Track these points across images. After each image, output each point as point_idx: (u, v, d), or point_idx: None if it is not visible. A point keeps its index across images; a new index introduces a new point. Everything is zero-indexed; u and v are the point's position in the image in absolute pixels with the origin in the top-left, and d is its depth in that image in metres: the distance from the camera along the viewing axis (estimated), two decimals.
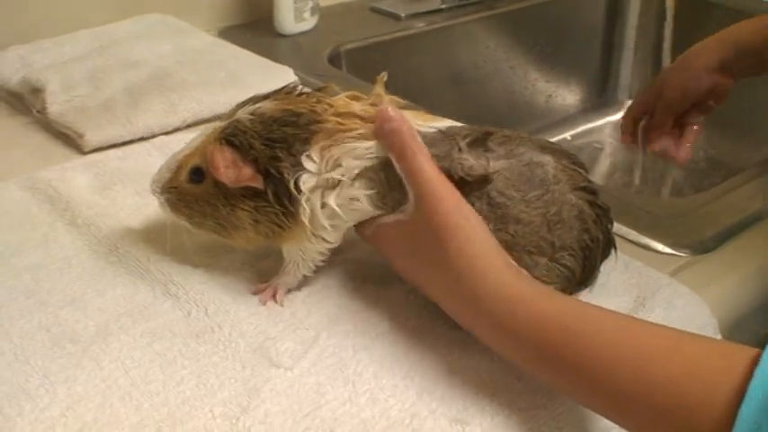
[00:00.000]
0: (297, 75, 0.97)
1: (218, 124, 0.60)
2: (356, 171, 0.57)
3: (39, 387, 0.52)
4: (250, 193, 0.58)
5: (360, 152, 0.57)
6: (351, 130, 0.57)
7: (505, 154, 0.58)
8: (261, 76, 0.93)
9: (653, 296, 0.61)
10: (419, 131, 0.57)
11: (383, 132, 0.57)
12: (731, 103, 0.94)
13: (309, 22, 1.14)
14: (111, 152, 0.81)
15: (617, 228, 0.72)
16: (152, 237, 0.67)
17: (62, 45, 0.96)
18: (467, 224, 0.54)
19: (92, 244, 0.67)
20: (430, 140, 0.57)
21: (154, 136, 0.83)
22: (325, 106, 0.58)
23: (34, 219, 0.70)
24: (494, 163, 0.57)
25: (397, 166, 0.56)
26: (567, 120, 1.37)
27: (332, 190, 0.57)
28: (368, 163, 0.57)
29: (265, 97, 0.60)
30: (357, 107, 0.59)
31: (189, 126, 0.86)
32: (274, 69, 0.96)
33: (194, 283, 0.62)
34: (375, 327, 0.59)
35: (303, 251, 0.61)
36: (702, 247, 0.71)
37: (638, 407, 0.45)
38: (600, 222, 0.59)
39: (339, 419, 0.51)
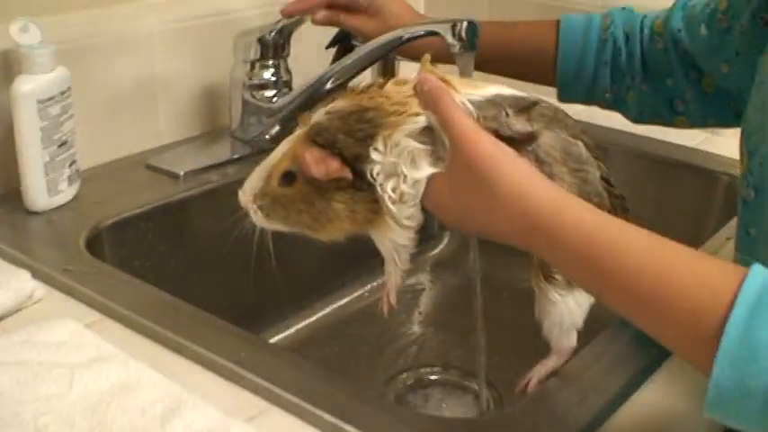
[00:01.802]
0: (45, 272, 0.82)
1: (299, 132, 0.66)
2: (410, 147, 0.62)
3: None
4: (343, 185, 0.64)
5: (411, 127, 0.63)
6: (404, 112, 0.63)
7: (546, 126, 0.65)
8: None
9: None
10: (469, 99, 0.64)
11: (423, 96, 0.63)
12: None
13: (68, 193, 0.97)
14: None
15: None
16: None
17: None
18: (507, 157, 0.60)
19: None
20: (477, 105, 0.64)
21: None
22: (383, 99, 0.64)
23: None
24: (537, 127, 0.65)
25: (435, 120, 0.62)
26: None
27: (395, 175, 0.63)
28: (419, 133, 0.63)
29: (333, 99, 0.67)
30: (407, 90, 0.65)
31: None
32: (6, 275, 0.79)
33: None
34: None
35: (393, 240, 0.67)
36: None
37: (655, 308, 0.53)
38: (615, 212, 0.67)
39: None
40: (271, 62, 1.11)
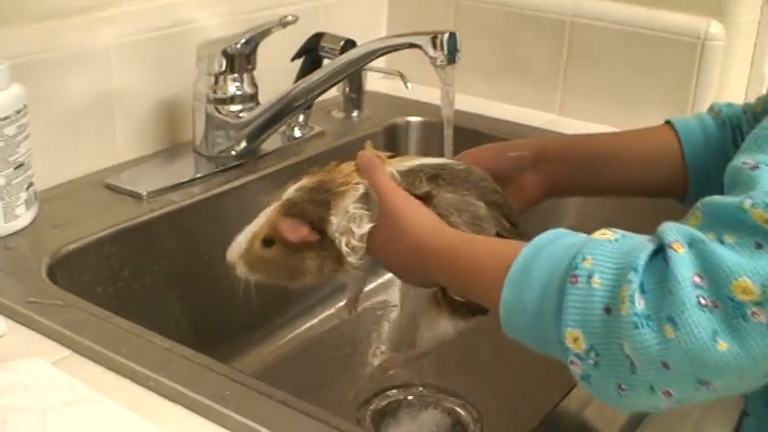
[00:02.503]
0: (7, 305, 0.77)
1: (274, 205, 0.80)
2: (357, 213, 0.77)
3: None
4: (311, 246, 0.78)
5: (355, 195, 0.78)
6: (350, 182, 0.78)
7: (452, 190, 0.78)
8: None
9: None
10: (396, 169, 0.79)
11: (360, 167, 0.79)
12: None
13: (25, 218, 0.91)
14: None
15: None
16: None
17: None
18: (412, 205, 0.76)
19: None
20: (402, 174, 0.79)
21: None
22: (336, 174, 0.80)
23: None
24: (439, 191, 0.78)
25: (368, 185, 0.78)
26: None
27: (347, 233, 0.77)
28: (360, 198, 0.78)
29: (300, 177, 0.81)
30: (353, 165, 0.81)
31: None
32: None
33: None
34: None
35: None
36: None
37: (476, 277, 0.68)
38: None
39: None
40: (236, 75, 1.06)
